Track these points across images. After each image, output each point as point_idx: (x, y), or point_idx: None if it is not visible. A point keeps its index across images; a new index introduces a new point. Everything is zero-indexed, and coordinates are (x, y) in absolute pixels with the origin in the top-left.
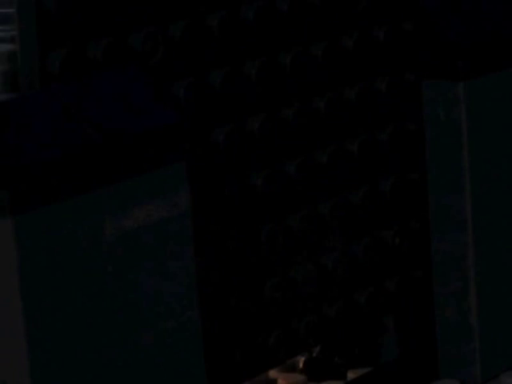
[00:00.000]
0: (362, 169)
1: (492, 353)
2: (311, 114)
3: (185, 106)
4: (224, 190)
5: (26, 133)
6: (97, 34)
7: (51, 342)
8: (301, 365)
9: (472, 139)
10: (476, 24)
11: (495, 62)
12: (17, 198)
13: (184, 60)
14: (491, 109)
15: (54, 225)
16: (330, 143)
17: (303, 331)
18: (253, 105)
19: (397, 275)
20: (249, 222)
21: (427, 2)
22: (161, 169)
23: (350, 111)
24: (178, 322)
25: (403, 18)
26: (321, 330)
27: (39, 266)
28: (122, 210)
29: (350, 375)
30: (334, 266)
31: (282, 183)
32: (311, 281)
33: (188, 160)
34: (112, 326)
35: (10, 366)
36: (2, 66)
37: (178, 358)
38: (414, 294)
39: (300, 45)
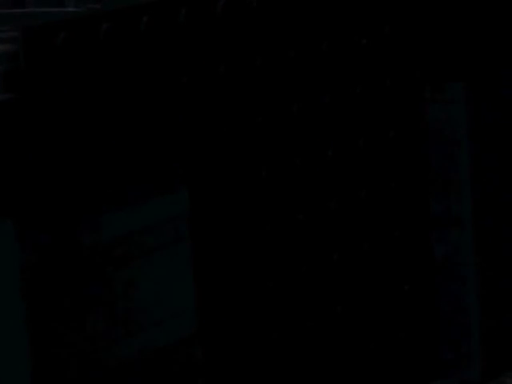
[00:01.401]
0: (368, 165)
1: (492, 353)
2: (317, 109)
3: (190, 95)
4: (227, 184)
5: (26, 133)
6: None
7: (51, 341)
8: None
9: (472, 139)
10: (476, 24)
11: (495, 62)
12: (17, 198)
13: (189, 49)
14: (491, 109)
15: (53, 225)
16: (336, 140)
17: None
18: (259, 98)
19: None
20: (253, 216)
21: (428, 3)
22: (161, 169)
23: (355, 107)
24: (178, 322)
25: (409, 17)
26: None
27: (39, 266)
28: (121, 211)
29: None
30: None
31: (288, 177)
32: None
33: (188, 158)
34: (111, 325)
35: (10, 365)
36: (1, 65)
37: (178, 357)
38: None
39: (307, 42)
